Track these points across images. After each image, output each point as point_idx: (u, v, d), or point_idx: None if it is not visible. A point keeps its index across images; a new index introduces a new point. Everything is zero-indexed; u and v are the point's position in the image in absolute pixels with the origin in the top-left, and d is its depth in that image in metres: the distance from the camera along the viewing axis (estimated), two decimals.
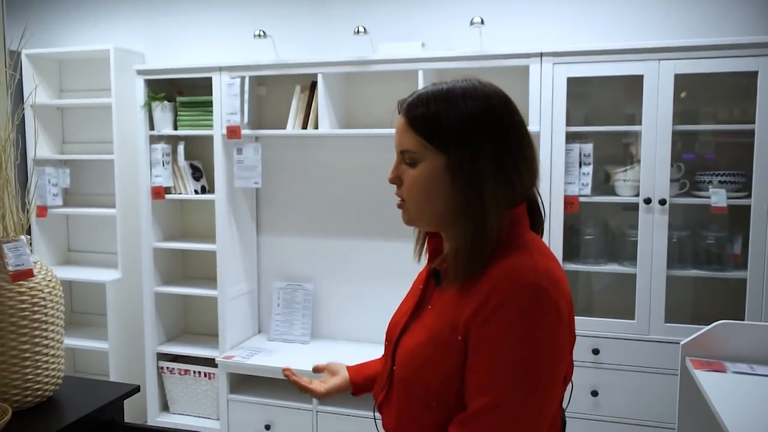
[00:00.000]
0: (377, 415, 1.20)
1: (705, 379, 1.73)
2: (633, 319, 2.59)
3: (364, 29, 2.92)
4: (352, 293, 3.26)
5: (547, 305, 0.95)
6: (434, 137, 1.02)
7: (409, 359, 1.07)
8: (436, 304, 1.09)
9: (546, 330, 0.95)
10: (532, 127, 2.61)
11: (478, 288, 0.98)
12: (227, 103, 3.00)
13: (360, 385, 1.35)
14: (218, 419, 3.14)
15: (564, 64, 2.57)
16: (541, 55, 2.59)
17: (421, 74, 2.72)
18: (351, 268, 3.25)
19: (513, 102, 1.07)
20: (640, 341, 2.58)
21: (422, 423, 1.04)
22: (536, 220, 1.13)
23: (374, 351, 3.03)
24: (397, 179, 1.09)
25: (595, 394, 2.62)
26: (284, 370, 1.35)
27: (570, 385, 1.10)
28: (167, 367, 3.29)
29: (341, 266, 3.27)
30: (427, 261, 1.18)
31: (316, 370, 1.41)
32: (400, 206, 1.10)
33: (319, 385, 1.34)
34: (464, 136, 1.01)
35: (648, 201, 2.53)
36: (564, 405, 1.09)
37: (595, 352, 2.60)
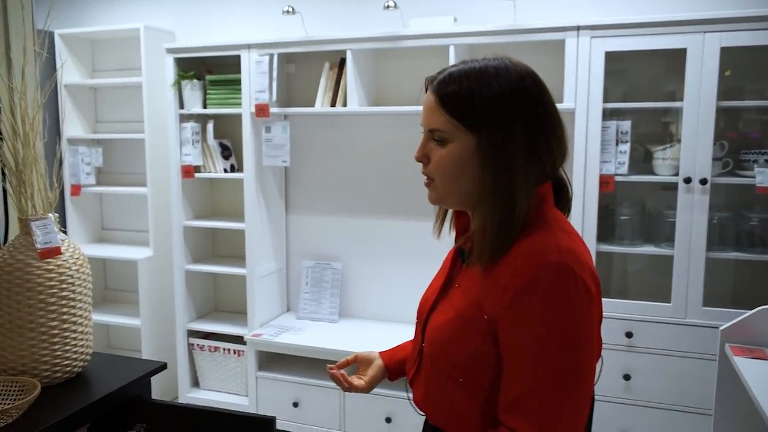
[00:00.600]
0: (409, 388, 1.21)
1: (745, 366, 1.66)
2: (669, 302, 2.51)
3: (395, 4, 2.85)
4: (380, 272, 3.23)
5: (574, 283, 0.94)
6: (466, 117, 1.00)
7: (436, 336, 1.08)
8: (463, 282, 1.09)
9: (575, 308, 0.94)
10: (567, 104, 2.53)
11: (502, 268, 0.99)
12: (256, 81, 2.97)
13: (394, 370, 1.36)
14: (247, 396, 3.17)
15: (602, 38, 2.47)
16: (578, 28, 2.49)
17: (452, 50, 2.65)
18: (380, 247, 3.22)
19: (543, 81, 1.05)
20: (676, 325, 2.50)
21: (453, 399, 1.05)
22: (562, 198, 1.10)
23: (402, 330, 3.03)
24: (424, 158, 1.07)
25: (627, 377, 2.55)
26: (328, 368, 1.36)
27: (600, 363, 1.07)
28: (197, 344, 3.33)
29: (370, 245, 3.24)
30: (454, 239, 1.18)
31: (345, 364, 1.38)
32: (427, 185, 1.09)
33: (359, 381, 1.34)
34: (497, 116, 0.99)
35: (688, 180, 2.43)
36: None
37: (629, 335, 2.53)
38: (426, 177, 1.09)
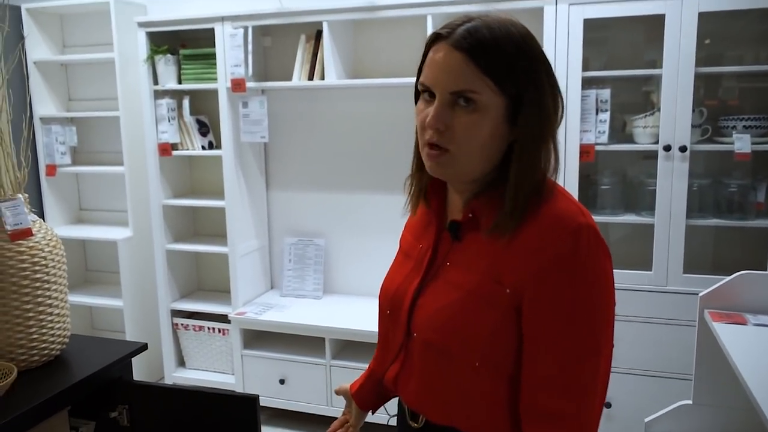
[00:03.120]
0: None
1: (724, 331, 1.68)
2: (650, 270, 2.52)
3: None
4: (364, 248, 3.22)
5: (603, 245, 0.93)
6: (502, 75, 0.91)
7: (439, 321, 0.99)
8: (459, 259, 1.01)
9: (608, 271, 0.93)
10: None
11: (527, 235, 0.93)
12: (231, 54, 2.91)
13: (366, 402, 1.30)
14: (233, 374, 3.17)
15: (580, 5, 2.44)
16: None
17: (429, 20, 2.61)
18: (362, 222, 3.20)
19: None
20: (657, 292, 2.52)
21: (466, 387, 0.98)
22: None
23: None
24: (443, 126, 0.94)
25: None
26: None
27: None
28: (182, 324, 3.31)
29: (352, 221, 3.23)
30: (432, 216, 1.09)
31: (340, 425, 1.35)
32: (435, 156, 0.96)
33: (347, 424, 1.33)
34: (532, 74, 0.92)
35: (668, 148, 2.43)
36: None
37: None
38: (435, 147, 0.95)
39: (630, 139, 2.59)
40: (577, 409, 0.91)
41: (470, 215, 1.00)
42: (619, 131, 2.66)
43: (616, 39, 2.72)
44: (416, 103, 1.01)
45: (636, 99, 2.71)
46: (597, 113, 2.53)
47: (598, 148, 2.54)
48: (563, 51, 2.48)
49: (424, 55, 0.99)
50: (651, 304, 2.53)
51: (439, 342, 0.99)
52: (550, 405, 0.91)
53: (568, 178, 2.55)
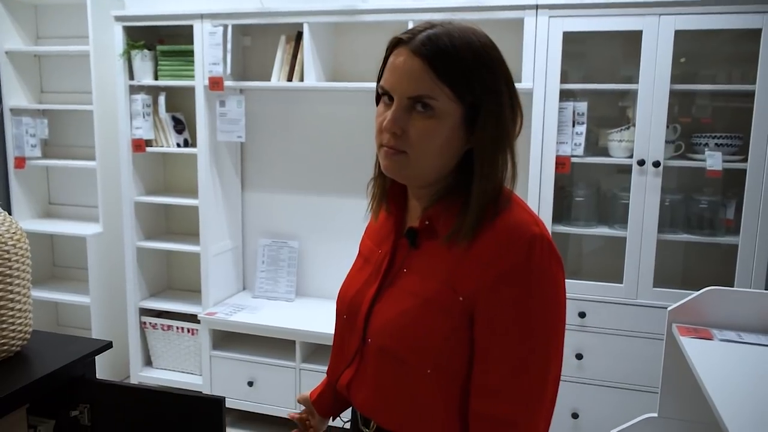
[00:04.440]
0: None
1: (691, 346, 1.70)
2: (621, 282, 2.55)
3: None
4: (337, 251, 3.21)
5: (555, 255, 0.94)
6: (460, 83, 0.91)
7: (396, 328, 0.99)
8: (416, 266, 1.01)
9: (560, 281, 0.94)
10: (525, 84, 2.52)
11: (482, 244, 0.94)
12: (209, 53, 2.88)
13: (326, 409, 1.29)
14: (201, 375, 3.12)
15: (560, 18, 2.47)
16: (537, 7, 2.48)
17: (410, 26, 2.61)
18: (337, 225, 3.19)
19: None
20: (627, 305, 2.55)
21: (418, 393, 0.98)
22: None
23: None
24: (399, 129, 0.95)
25: (579, 357, 2.60)
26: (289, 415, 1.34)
27: None
28: (150, 323, 3.25)
29: (327, 224, 3.21)
30: (392, 222, 1.09)
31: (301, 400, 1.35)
32: (392, 156, 0.96)
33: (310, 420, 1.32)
34: (490, 83, 0.93)
35: (641, 163, 2.46)
36: None
37: (582, 315, 2.57)
38: (393, 149, 0.96)
39: (605, 153, 2.62)
40: (526, 416, 0.92)
41: (427, 222, 1.01)
42: (595, 145, 2.69)
43: (595, 53, 2.75)
44: (377, 105, 1.01)
45: (612, 113, 2.75)
46: (573, 125, 2.55)
47: (573, 160, 2.57)
48: (542, 63, 2.51)
49: (386, 59, 1.00)
50: (621, 317, 2.55)
51: (393, 348, 0.99)
52: (499, 412, 0.92)
53: (544, 188, 2.57)
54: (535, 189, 2.57)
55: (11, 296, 1.53)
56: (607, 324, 2.57)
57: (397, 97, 0.95)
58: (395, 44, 0.98)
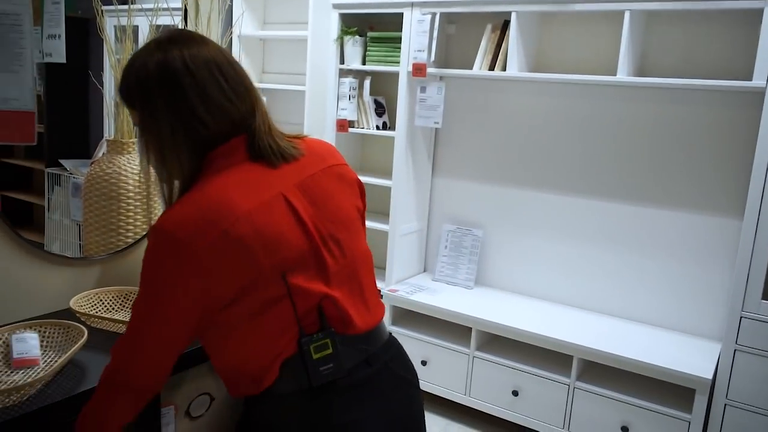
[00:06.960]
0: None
1: None
2: None
3: None
4: (521, 244, 3.16)
5: (168, 248, 1.07)
6: (128, 103, 1.19)
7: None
8: None
9: (162, 266, 1.08)
10: (756, 82, 2.25)
11: None
12: (416, 39, 2.98)
13: None
14: None
15: None
16: None
17: (627, 16, 2.46)
18: (523, 218, 3.14)
19: (184, 52, 1.13)
20: None
21: None
22: (254, 146, 1.17)
23: (540, 306, 2.96)
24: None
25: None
26: None
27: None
28: None
29: (513, 216, 3.18)
30: None
31: None
32: None
33: None
34: (141, 98, 1.15)
35: None
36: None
37: None
38: None
39: None
40: (118, 354, 1.14)
41: None
42: None
43: None
44: None
45: None
46: None
47: None
48: None
49: None
50: None
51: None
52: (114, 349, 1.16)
53: None
54: None
55: None
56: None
57: None
58: None
